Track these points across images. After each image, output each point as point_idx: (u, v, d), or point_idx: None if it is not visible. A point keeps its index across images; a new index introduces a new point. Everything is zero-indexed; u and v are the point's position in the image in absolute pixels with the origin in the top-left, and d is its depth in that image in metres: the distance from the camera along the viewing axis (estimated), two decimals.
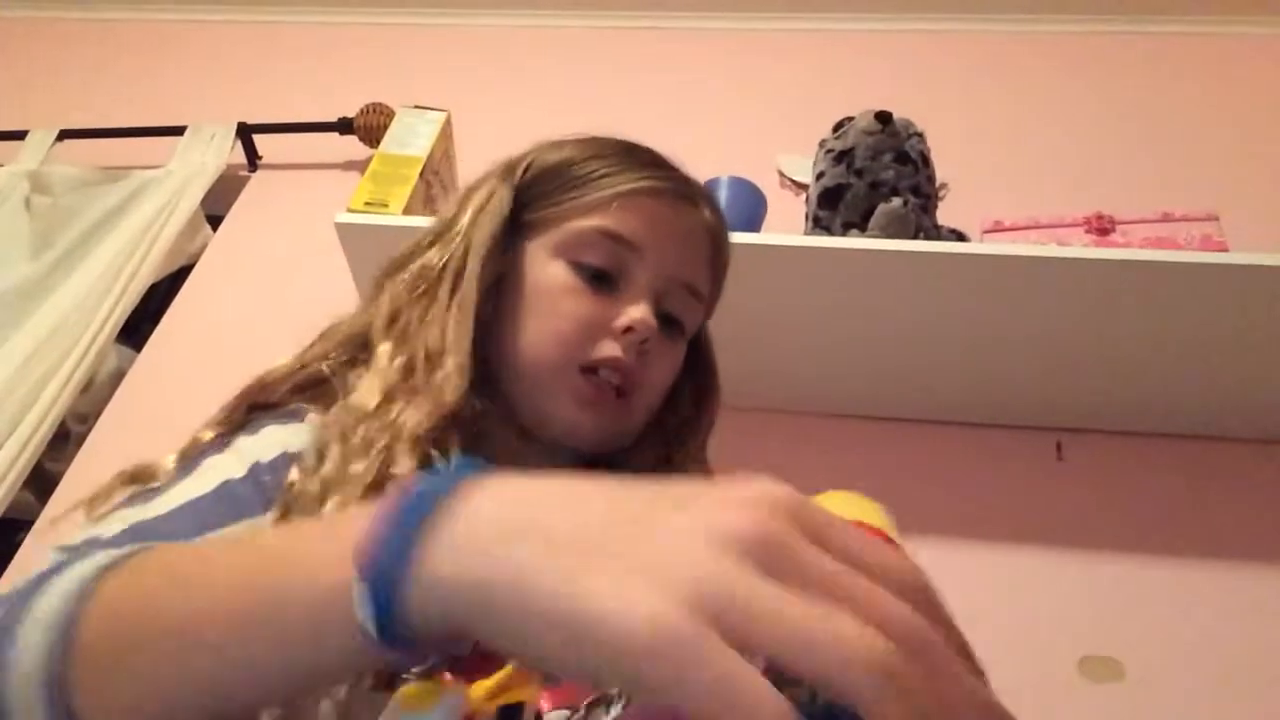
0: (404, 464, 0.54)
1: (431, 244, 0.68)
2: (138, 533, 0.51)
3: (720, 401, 0.75)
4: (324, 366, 0.64)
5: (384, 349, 0.62)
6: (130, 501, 0.55)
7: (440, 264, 0.66)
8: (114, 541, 0.50)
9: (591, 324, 0.64)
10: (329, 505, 0.52)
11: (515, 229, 0.68)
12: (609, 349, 0.63)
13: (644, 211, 0.66)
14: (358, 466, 0.54)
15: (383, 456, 0.54)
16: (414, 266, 0.67)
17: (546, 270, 0.66)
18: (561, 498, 0.30)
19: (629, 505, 0.29)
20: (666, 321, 0.67)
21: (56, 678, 0.37)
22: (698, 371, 0.74)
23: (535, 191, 0.69)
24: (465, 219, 0.68)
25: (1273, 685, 1.06)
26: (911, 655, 0.25)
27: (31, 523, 1.29)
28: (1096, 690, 1.04)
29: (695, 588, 0.25)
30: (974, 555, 1.18)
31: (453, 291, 0.64)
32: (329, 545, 0.33)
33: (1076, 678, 1.05)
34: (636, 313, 0.63)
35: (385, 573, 0.30)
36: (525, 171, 0.69)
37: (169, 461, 0.57)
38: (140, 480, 0.56)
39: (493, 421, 0.63)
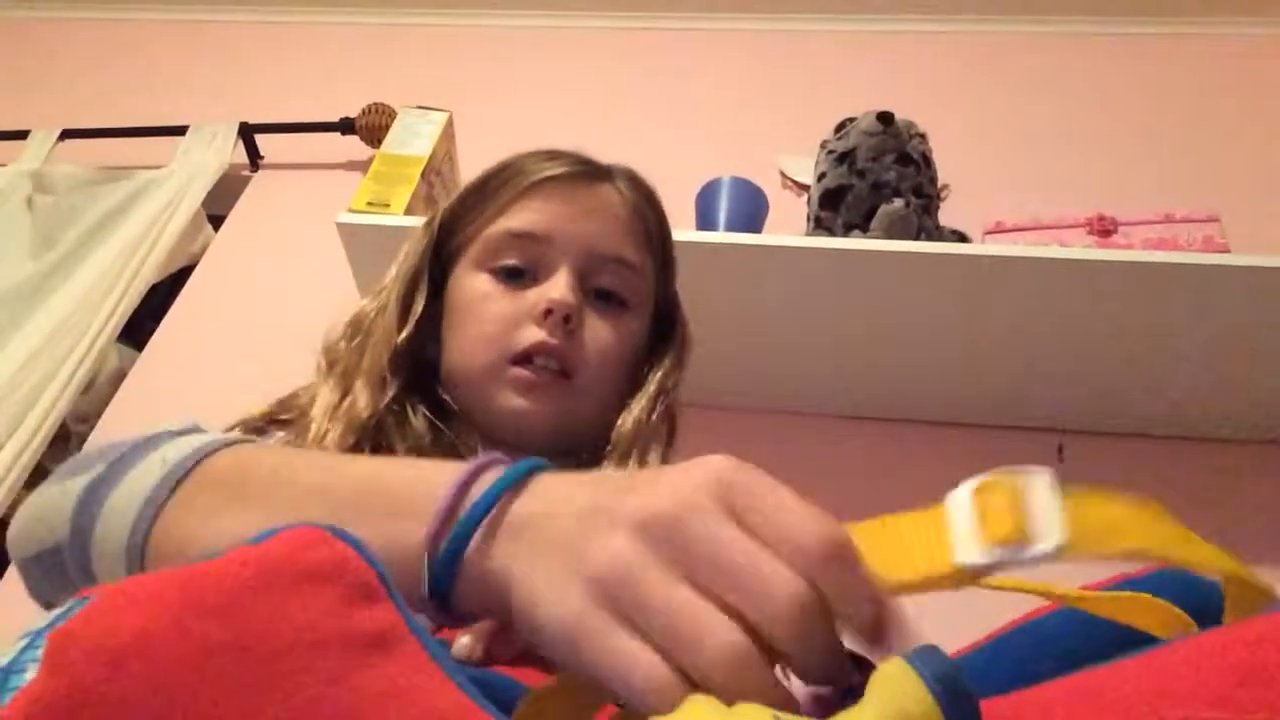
0: None
1: (366, 298, 0.74)
2: None
3: (682, 364, 0.74)
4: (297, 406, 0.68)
5: (323, 391, 0.66)
6: None
7: (373, 310, 0.71)
8: None
9: (511, 318, 0.66)
10: None
11: (448, 262, 0.73)
12: (533, 335, 0.65)
13: (544, 201, 0.69)
14: None
15: None
16: (350, 317, 0.72)
17: (469, 285, 0.69)
18: (560, 493, 0.35)
19: (599, 492, 0.34)
20: (603, 298, 0.69)
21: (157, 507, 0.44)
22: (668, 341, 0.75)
23: (455, 221, 0.73)
24: (394, 269, 0.73)
25: None
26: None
27: None
28: None
29: (602, 580, 0.31)
30: None
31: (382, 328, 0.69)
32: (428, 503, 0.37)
33: None
34: (553, 292, 0.65)
35: (444, 560, 0.35)
36: (447, 210, 0.74)
37: None
38: None
39: (461, 448, 0.64)
